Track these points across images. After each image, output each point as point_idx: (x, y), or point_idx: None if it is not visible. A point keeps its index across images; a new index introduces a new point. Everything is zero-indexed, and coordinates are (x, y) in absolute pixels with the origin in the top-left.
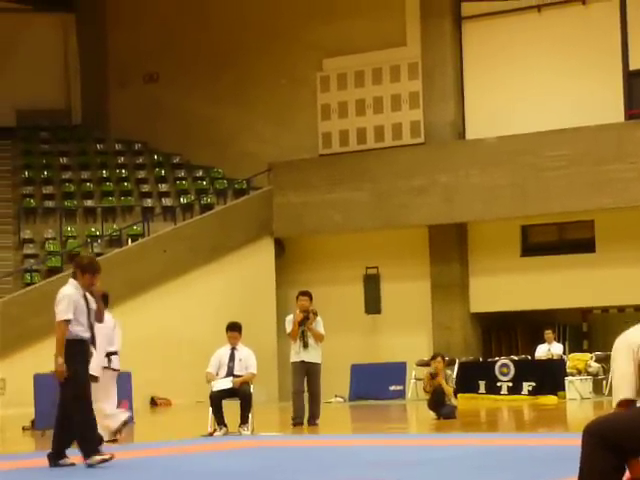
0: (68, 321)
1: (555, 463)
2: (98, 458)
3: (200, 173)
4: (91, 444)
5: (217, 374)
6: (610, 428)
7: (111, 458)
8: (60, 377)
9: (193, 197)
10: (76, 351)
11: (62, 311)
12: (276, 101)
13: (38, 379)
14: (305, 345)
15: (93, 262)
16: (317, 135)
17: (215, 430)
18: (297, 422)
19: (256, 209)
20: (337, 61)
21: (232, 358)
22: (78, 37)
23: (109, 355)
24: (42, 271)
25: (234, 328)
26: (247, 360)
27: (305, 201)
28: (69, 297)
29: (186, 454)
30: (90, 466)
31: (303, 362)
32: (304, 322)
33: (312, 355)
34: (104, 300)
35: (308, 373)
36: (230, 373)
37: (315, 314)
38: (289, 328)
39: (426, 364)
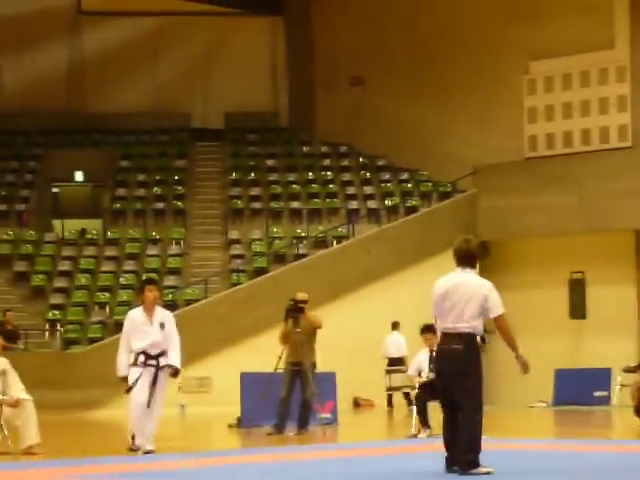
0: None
1: None
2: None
3: (405, 176)
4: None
5: (420, 376)
6: None
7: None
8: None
9: (398, 199)
10: None
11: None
12: (481, 103)
13: (245, 378)
14: None
15: None
16: (523, 138)
17: (419, 431)
18: None
19: (461, 212)
20: (544, 64)
21: (432, 360)
22: (286, 40)
23: None
24: (248, 271)
25: (426, 330)
26: None
27: (510, 204)
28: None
29: (391, 455)
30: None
31: None
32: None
33: None
34: None
35: None
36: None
37: None
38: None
39: (632, 370)
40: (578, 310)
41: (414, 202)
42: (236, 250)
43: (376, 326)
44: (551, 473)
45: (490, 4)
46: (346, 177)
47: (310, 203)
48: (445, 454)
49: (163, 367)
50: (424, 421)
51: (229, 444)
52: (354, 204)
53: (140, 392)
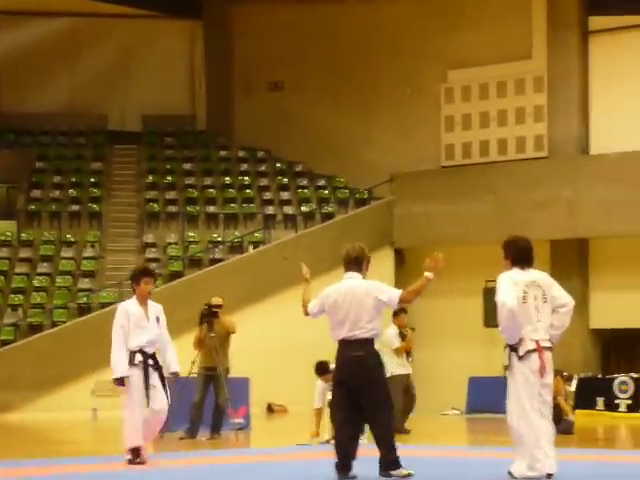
0: None
1: None
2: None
3: (322, 182)
4: None
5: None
6: None
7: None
8: None
9: (314, 206)
10: None
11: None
12: (399, 112)
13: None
14: (404, 359)
15: None
16: (440, 146)
17: (333, 437)
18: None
19: (377, 219)
20: (462, 73)
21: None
22: (205, 44)
23: None
24: (164, 275)
25: (322, 370)
26: None
27: (426, 212)
28: None
29: (301, 460)
30: None
31: (401, 375)
32: (404, 338)
33: (408, 368)
34: None
35: (407, 385)
36: None
37: (413, 330)
38: (396, 343)
39: None
40: (493, 318)
41: (331, 209)
42: (151, 253)
43: (292, 332)
44: (470, 479)
45: (410, 12)
46: (263, 182)
47: (227, 208)
48: (336, 461)
49: (160, 367)
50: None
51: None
52: (271, 209)
53: (140, 397)
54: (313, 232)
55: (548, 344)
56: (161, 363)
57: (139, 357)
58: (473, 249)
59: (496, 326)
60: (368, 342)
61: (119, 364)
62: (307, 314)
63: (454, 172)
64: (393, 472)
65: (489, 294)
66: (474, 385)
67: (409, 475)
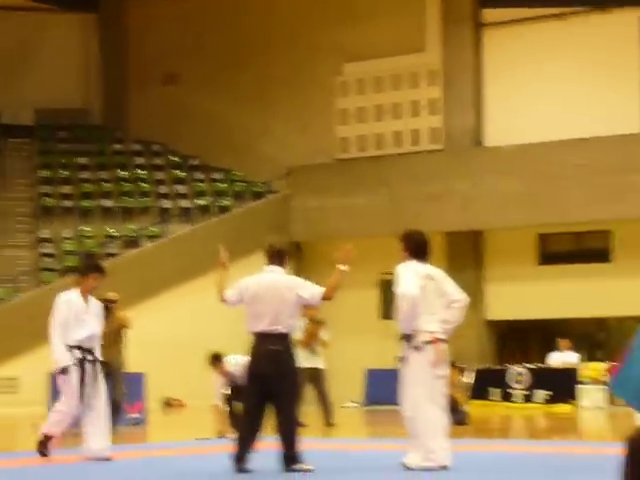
0: None
1: (568, 471)
2: None
3: (218, 175)
4: None
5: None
6: None
7: None
8: None
9: (211, 199)
10: None
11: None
12: (296, 105)
13: (54, 378)
14: (312, 352)
15: None
16: (335, 139)
17: (228, 432)
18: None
19: (274, 213)
20: (356, 66)
21: (234, 380)
22: (99, 37)
23: None
24: (59, 270)
25: (218, 359)
26: None
27: (322, 205)
28: None
29: (198, 454)
30: None
31: (310, 368)
32: (314, 330)
33: (318, 361)
34: None
35: (314, 378)
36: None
37: (322, 323)
38: (298, 334)
39: None
40: (388, 311)
41: (227, 202)
42: (46, 249)
43: (188, 326)
44: (366, 471)
45: (306, 5)
46: (159, 176)
47: (122, 201)
48: (235, 452)
49: (98, 362)
50: (233, 421)
51: (34, 445)
52: (166, 203)
53: (75, 392)
54: (209, 225)
55: (442, 336)
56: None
57: (77, 353)
58: (368, 242)
59: (391, 318)
60: (286, 337)
61: (61, 354)
62: (223, 301)
63: (349, 165)
64: (294, 467)
65: (384, 286)
66: (371, 377)
67: (309, 470)
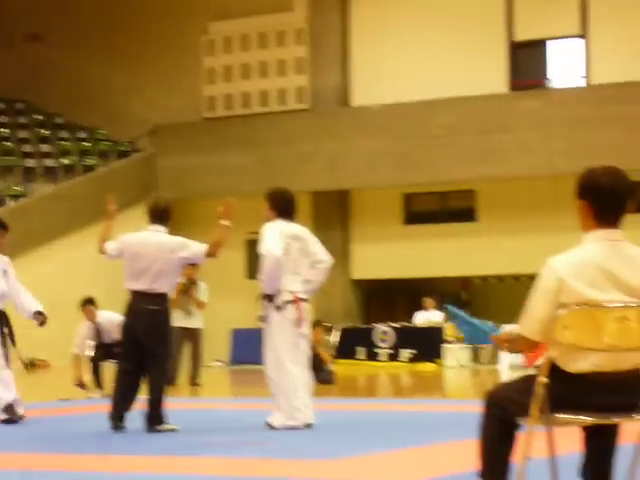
0: None
1: (432, 429)
2: None
3: (83, 134)
4: None
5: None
6: (499, 396)
7: None
8: None
9: (75, 158)
10: None
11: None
12: (162, 64)
13: None
14: (186, 312)
15: None
16: (201, 98)
17: (93, 392)
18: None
19: (139, 171)
20: (223, 24)
21: (98, 332)
22: None
23: None
24: None
25: (90, 302)
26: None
27: (189, 165)
28: None
29: (65, 415)
30: None
31: (185, 328)
32: (187, 291)
33: (194, 321)
34: None
35: (190, 338)
36: (101, 344)
37: (196, 283)
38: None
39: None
40: (254, 270)
41: (92, 161)
42: None
43: (55, 286)
44: (231, 431)
45: None
46: (23, 134)
47: None
48: (111, 411)
49: (9, 325)
50: (97, 381)
51: None
52: (31, 162)
53: None
54: (74, 185)
55: (304, 296)
56: (20, 311)
57: None
58: (236, 201)
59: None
60: (164, 297)
61: None
62: (103, 252)
63: (216, 124)
64: (157, 427)
65: (251, 246)
66: (237, 337)
67: (173, 430)
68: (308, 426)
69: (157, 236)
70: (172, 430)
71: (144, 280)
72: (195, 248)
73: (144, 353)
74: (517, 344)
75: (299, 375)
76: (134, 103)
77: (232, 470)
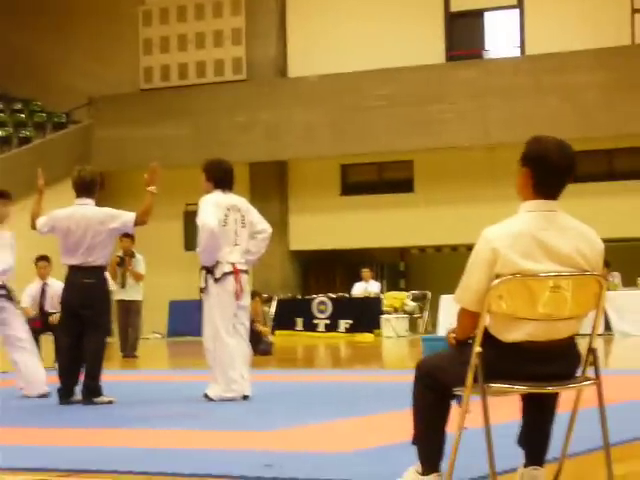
0: None
1: (369, 399)
2: None
3: (18, 105)
4: None
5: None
6: (431, 367)
7: None
8: None
9: (11, 130)
10: None
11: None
12: (98, 34)
13: None
14: (123, 285)
15: None
16: (138, 70)
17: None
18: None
19: (76, 143)
20: None
21: (43, 294)
22: None
23: None
24: None
25: (41, 259)
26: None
27: (126, 136)
28: None
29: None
30: None
31: (123, 300)
32: (123, 263)
33: (131, 293)
34: None
35: (128, 310)
36: (41, 310)
37: (133, 255)
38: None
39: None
40: (193, 242)
41: (28, 133)
42: None
43: None
44: (169, 402)
45: None
46: None
47: None
48: (59, 386)
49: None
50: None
51: None
52: None
53: None
54: (9, 157)
55: (244, 267)
56: None
57: None
58: (173, 173)
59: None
60: (100, 269)
61: None
62: (34, 228)
63: (153, 95)
64: (95, 399)
65: (189, 218)
66: (174, 308)
67: (110, 402)
68: (245, 398)
69: (85, 209)
70: (109, 402)
71: (78, 254)
72: (124, 218)
73: (83, 326)
74: (457, 322)
75: (236, 347)
76: (70, 74)
77: (168, 442)
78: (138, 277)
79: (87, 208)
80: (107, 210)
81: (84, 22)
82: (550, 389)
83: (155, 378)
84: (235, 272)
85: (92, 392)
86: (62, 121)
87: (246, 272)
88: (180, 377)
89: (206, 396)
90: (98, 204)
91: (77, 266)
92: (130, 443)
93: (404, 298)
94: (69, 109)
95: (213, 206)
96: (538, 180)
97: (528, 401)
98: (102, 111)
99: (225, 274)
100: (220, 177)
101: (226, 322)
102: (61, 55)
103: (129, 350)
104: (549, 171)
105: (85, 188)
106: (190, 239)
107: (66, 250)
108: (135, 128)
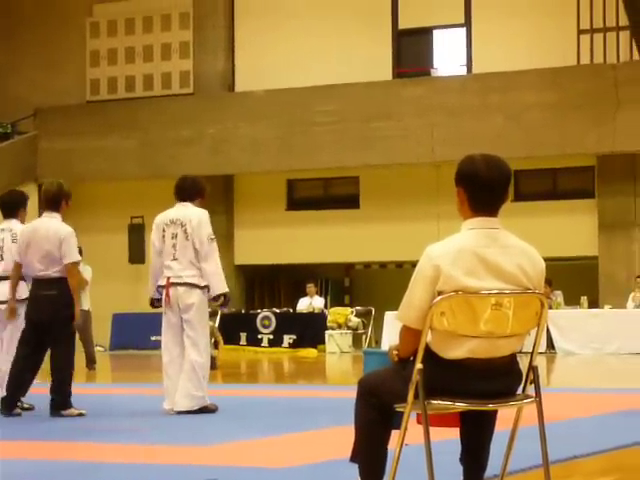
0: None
1: (312, 414)
2: None
3: None
4: None
5: None
6: (373, 383)
7: None
8: None
9: None
10: None
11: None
12: (45, 45)
13: None
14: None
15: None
16: (85, 81)
17: None
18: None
19: (20, 154)
20: (108, 7)
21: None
22: None
23: None
24: None
25: None
26: None
27: (72, 148)
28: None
29: None
30: None
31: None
32: None
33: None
34: None
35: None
36: None
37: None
38: None
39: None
40: (137, 255)
41: None
42: None
43: None
44: (111, 416)
45: None
46: None
47: None
48: (4, 395)
49: None
50: None
51: None
52: None
53: None
54: None
55: (180, 280)
56: None
57: None
58: (119, 185)
59: (141, 262)
60: (61, 281)
61: None
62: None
63: (99, 107)
64: (64, 412)
65: (134, 230)
66: (118, 321)
67: (81, 415)
68: (172, 412)
69: (49, 222)
70: (80, 415)
71: (39, 266)
72: (68, 250)
73: (44, 338)
74: (400, 340)
75: (171, 359)
76: (15, 84)
77: (109, 456)
78: (83, 282)
79: (51, 221)
80: (66, 235)
81: (31, 32)
82: (491, 406)
83: (97, 391)
84: (167, 286)
85: (60, 405)
86: (7, 132)
87: (185, 285)
88: (126, 390)
89: (166, 410)
90: (39, 215)
91: (38, 278)
92: (71, 456)
93: (348, 314)
94: (15, 120)
95: (154, 228)
96: (471, 197)
97: (467, 418)
98: (48, 122)
99: (159, 287)
100: (175, 191)
101: (166, 334)
102: (7, 65)
103: (88, 363)
104: (480, 187)
105: (49, 201)
106: (134, 252)
107: (25, 262)
108: (81, 140)
